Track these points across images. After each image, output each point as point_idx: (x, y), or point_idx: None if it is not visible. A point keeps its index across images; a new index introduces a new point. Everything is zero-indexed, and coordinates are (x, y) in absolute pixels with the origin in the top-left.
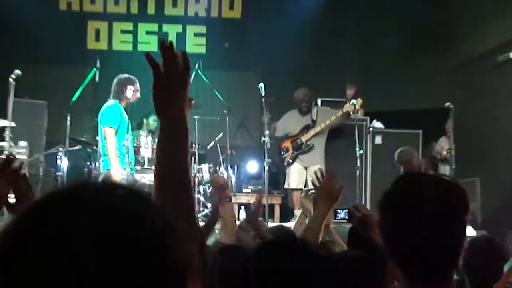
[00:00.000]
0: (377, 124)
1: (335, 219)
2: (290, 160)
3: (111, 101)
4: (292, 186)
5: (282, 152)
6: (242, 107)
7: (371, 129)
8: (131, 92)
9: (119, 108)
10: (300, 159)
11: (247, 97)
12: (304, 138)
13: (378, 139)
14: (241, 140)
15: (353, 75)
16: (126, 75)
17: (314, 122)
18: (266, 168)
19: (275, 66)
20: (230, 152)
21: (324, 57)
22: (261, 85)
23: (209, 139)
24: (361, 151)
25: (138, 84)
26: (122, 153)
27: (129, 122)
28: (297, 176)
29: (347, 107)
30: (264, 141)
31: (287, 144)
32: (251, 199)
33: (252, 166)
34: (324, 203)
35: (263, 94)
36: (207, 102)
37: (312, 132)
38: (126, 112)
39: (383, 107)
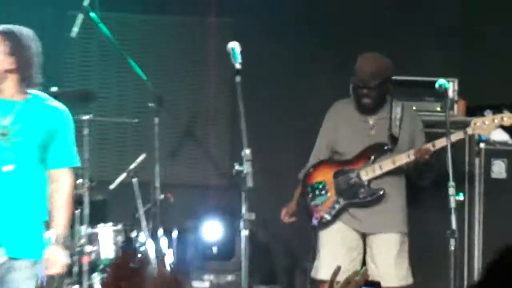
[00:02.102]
0: (497, 135)
1: None
2: (326, 217)
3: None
4: (325, 277)
5: (309, 194)
6: (191, 95)
7: (482, 145)
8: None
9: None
10: (353, 215)
11: (200, 71)
12: (366, 174)
13: (500, 168)
14: (187, 171)
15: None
16: None
17: (394, 141)
18: (245, 233)
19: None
20: (162, 197)
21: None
22: (234, 45)
23: (116, 169)
24: (462, 196)
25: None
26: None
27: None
28: (340, 253)
29: (473, 127)
30: (238, 171)
31: (325, 176)
32: None
33: (211, 231)
34: None
35: (237, 65)
36: (112, 83)
37: (387, 165)
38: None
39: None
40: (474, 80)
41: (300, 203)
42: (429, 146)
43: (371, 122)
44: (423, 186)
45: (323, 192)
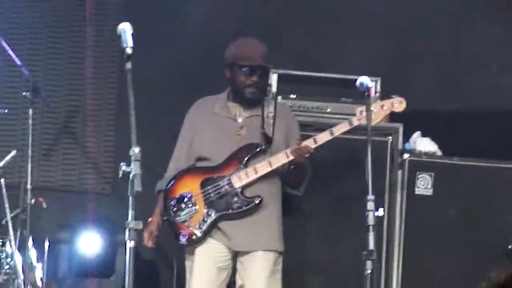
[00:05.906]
0: (422, 143)
1: None
2: (197, 233)
3: None
4: None
5: (173, 208)
6: (71, 84)
7: (406, 156)
8: None
9: None
10: (224, 232)
11: (83, 56)
12: (239, 180)
13: (425, 183)
14: (63, 173)
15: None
16: None
17: (268, 140)
18: (130, 245)
19: None
20: (34, 201)
21: None
22: (125, 26)
23: None
24: (381, 212)
25: None
26: None
27: None
28: (211, 277)
29: (358, 117)
30: (125, 172)
31: (191, 187)
32: None
33: (89, 243)
34: None
35: (129, 50)
36: None
37: (263, 168)
38: None
39: (437, 102)
40: (400, 80)
41: (164, 220)
42: (310, 142)
43: (240, 120)
44: (298, 194)
45: (189, 204)
